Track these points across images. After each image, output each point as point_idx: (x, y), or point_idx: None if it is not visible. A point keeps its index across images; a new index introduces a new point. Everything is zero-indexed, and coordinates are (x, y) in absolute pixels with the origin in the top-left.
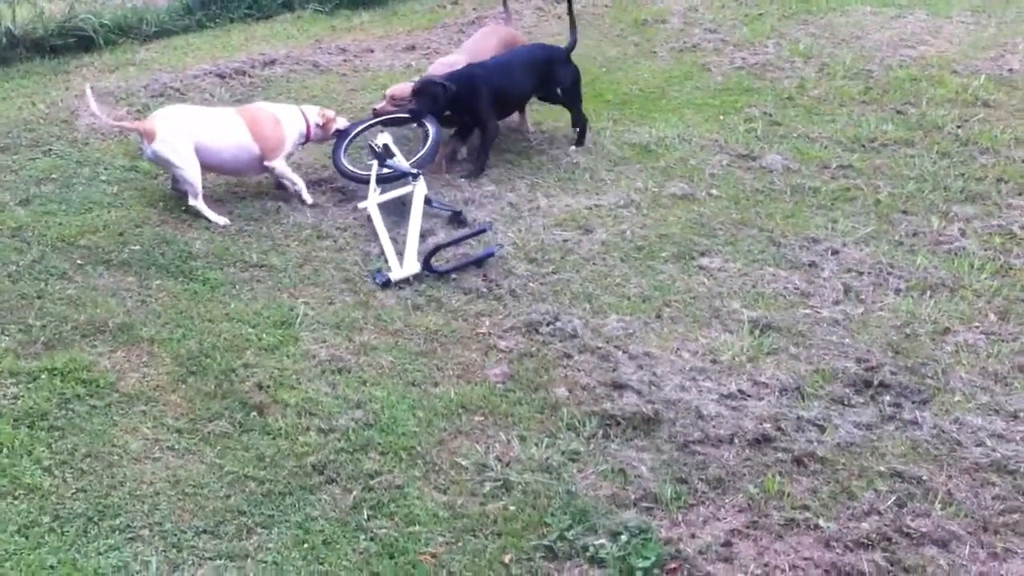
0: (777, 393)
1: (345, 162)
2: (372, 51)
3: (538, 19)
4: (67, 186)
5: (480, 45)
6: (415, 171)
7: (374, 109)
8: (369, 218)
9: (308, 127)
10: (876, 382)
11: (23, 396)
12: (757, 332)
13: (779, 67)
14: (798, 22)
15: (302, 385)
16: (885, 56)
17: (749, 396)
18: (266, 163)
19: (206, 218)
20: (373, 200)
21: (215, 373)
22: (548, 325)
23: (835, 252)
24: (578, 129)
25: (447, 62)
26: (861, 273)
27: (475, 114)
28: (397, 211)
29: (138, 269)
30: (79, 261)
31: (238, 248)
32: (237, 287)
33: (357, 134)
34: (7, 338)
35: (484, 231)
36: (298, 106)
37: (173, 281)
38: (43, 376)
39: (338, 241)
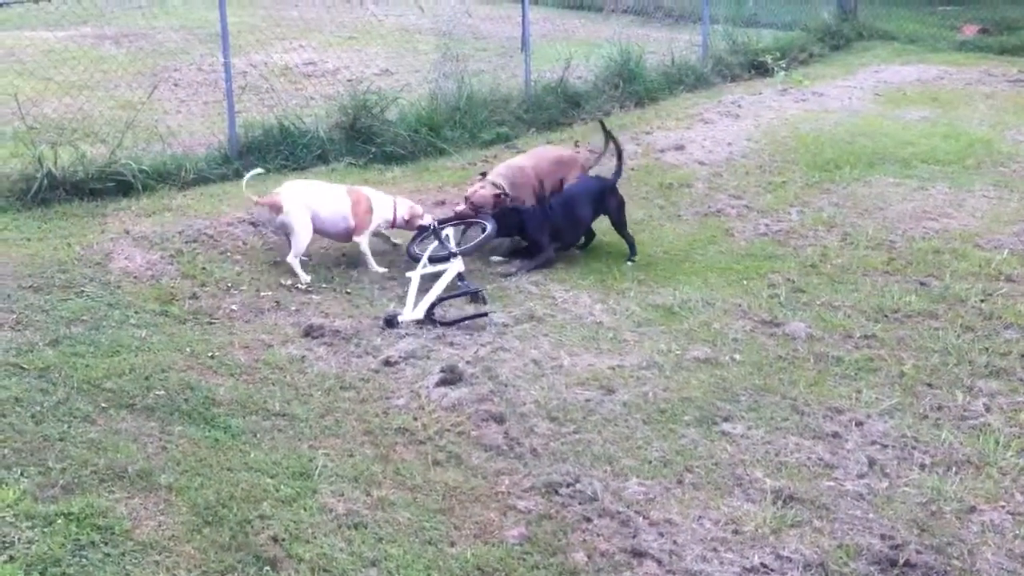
0: (801, 569)
1: (415, 248)
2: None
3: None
4: (97, 328)
5: (540, 155)
6: (456, 251)
7: (455, 210)
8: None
9: (395, 217)
10: (902, 561)
11: (37, 541)
12: (780, 503)
13: (802, 235)
14: (821, 191)
15: (317, 540)
16: (908, 228)
17: (772, 571)
18: (354, 238)
19: (296, 275)
20: (419, 269)
21: (231, 524)
22: (568, 487)
23: (859, 423)
24: (628, 245)
25: (513, 164)
26: (885, 446)
27: (534, 242)
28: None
29: (161, 414)
30: (103, 404)
31: (261, 396)
32: (258, 436)
33: (441, 231)
34: (26, 480)
35: (479, 291)
36: (393, 197)
37: (195, 428)
38: (59, 521)
39: (361, 392)
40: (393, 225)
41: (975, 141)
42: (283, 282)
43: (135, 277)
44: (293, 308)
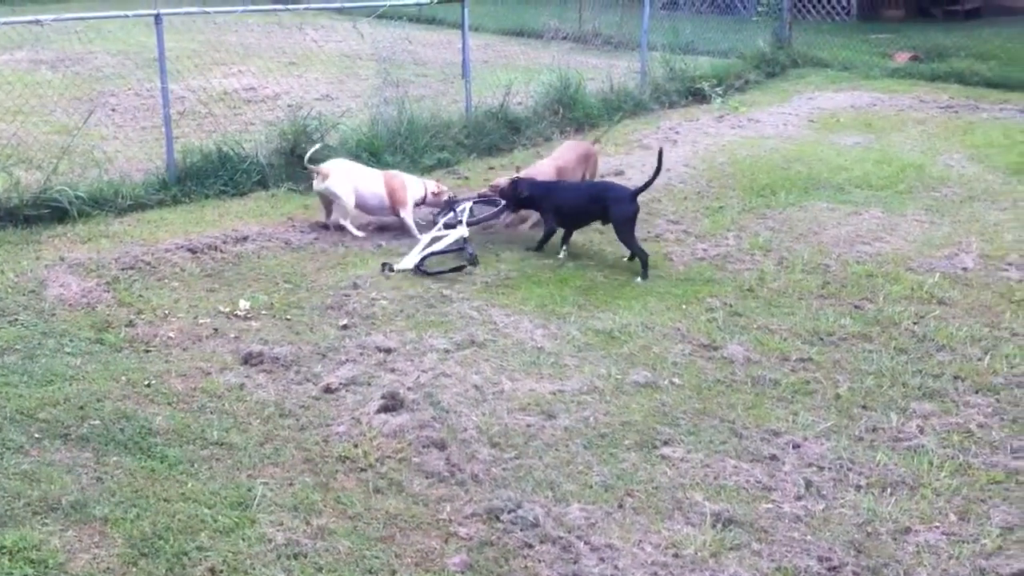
0: None
1: (440, 219)
2: (343, 231)
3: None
4: (30, 357)
5: (565, 154)
6: (462, 220)
7: (479, 192)
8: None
9: (425, 193)
10: None
11: None
12: (719, 526)
13: (739, 259)
14: (757, 216)
15: (256, 571)
16: (842, 252)
17: None
18: (400, 213)
19: (351, 232)
20: (432, 232)
21: (167, 556)
22: (510, 512)
23: (796, 446)
24: (640, 261)
25: (539, 164)
26: (822, 468)
27: (540, 213)
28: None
29: (96, 445)
30: (36, 435)
31: (199, 425)
32: (195, 465)
33: (459, 203)
34: None
35: (471, 254)
36: (422, 179)
37: (131, 458)
38: None
39: (300, 420)
40: (424, 201)
41: (907, 166)
42: (222, 309)
43: (70, 305)
44: (232, 335)
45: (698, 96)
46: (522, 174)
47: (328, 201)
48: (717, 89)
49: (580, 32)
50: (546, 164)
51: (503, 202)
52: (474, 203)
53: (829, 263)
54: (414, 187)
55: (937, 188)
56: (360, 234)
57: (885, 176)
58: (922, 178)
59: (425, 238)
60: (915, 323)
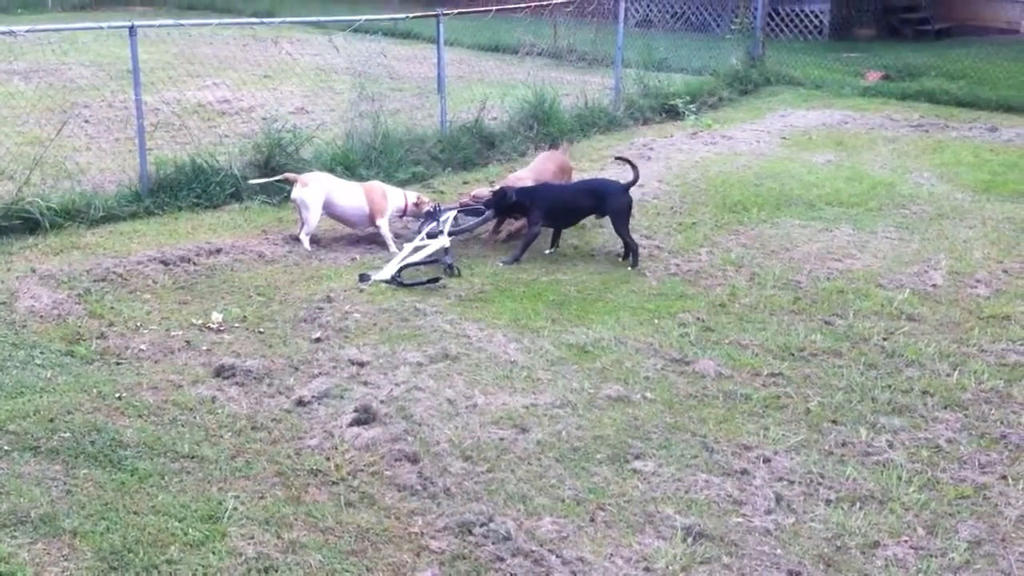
0: None
1: (423, 229)
2: (316, 243)
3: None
4: (0, 369)
5: (541, 166)
6: (442, 231)
7: (460, 201)
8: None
9: (406, 204)
10: None
11: None
12: (690, 540)
13: (712, 275)
14: (730, 232)
15: None
16: (813, 268)
17: None
18: (376, 221)
19: (304, 247)
20: (414, 242)
21: (137, 569)
22: (482, 526)
23: (767, 460)
24: (630, 251)
25: (516, 176)
26: (792, 482)
27: (527, 215)
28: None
29: (66, 457)
30: (6, 447)
31: (170, 438)
32: (166, 478)
33: (442, 213)
34: None
35: (450, 265)
36: (402, 189)
37: (101, 471)
38: None
39: (272, 433)
40: (405, 211)
41: (878, 184)
42: (194, 321)
43: (41, 316)
44: (204, 348)
45: (672, 113)
46: (500, 183)
47: (300, 210)
48: (691, 106)
49: (555, 48)
50: (524, 174)
51: (487, 211)
52: (458, 212)
53: (800, 279)
54: (394, 197)
55: (907, 206)
56: (309, 248)
57: (856, 193)
58: (892, 196)
59: (406, 248)
60: (885, 339)
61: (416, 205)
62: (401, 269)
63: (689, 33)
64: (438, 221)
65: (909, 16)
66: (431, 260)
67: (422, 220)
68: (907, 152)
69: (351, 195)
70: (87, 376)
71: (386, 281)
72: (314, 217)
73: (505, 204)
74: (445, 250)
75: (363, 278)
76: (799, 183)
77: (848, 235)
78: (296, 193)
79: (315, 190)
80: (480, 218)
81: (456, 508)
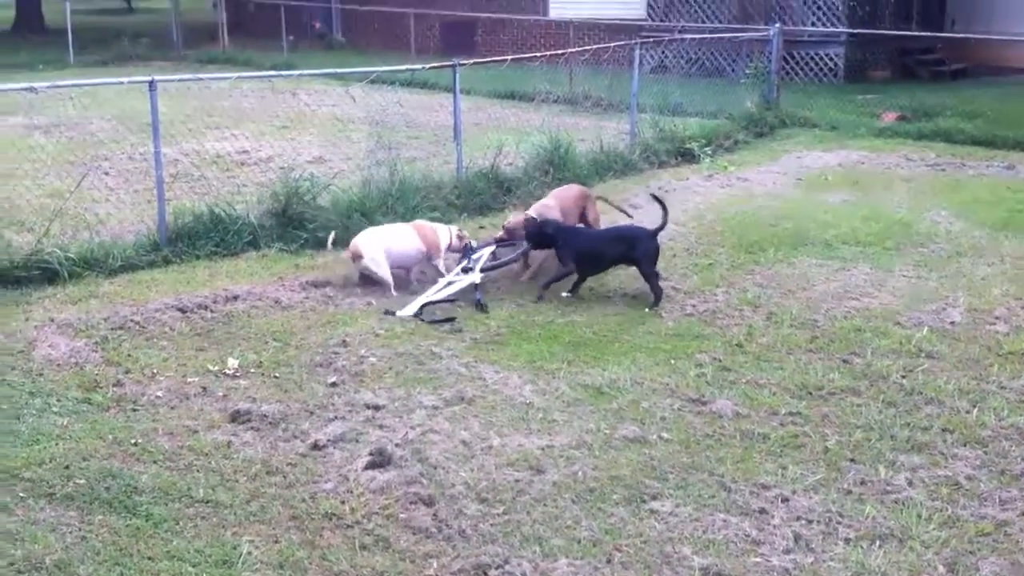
0: None
1: (462, 264)
2: (332, 288)
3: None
4: (17, 417)
5: (564, 193)
6: (471, 267)
7: (494, 236)
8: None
9: (451, 239)
10: None
11: None
12: None
13: (728, 315)
14: (746, 272)
15: None
16: (830, 307)
17: None
18: (433, 260)
19: (393, 294)
20: (449, 277)
21: None
22: (497, 568)
23: (785, 499)
24: (654, 294)
25: (543, 204)
26: (811, 521)
27: (558, 254)
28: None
29: (81, 503)
30: (22, 494)
31: (185, 483)
32: (181, 523)
33: (475, 251)
34: None
35: (478, 301)
36: (447, 226)
37: (116, 517)
38: None
39: (288, 477)
40: (450, 247)
41: (895, 223)
42: (210, 367)
43: (58, 365)
44: (220, 393)
45: (687, 156)
46: (530, 211)
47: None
48: (706, 149)
49: (571, 94)
50: (549, 202)
51: (524, 244)
52: (496, 247)
53: (817, 318)
54: (443, 233)
55: (924, 244)
56: (395, 293)
57: (872, 232)
58: (909, 234)
59: (437, 284)
60: (903, 376)
61: (459, 239)
62: (423, 306)
63: (704, 78)
64: (469, 258)
65: (924, 57)
66: (450, 300)
67: (461, 255)
68: (924, 191)
69: (405, 238)
70: (103, 423)
71: (411, 317)
72: (387, 274)
73: (541, 235)
74: (475, 287)
75: (388, 313)
76: (815, 223)
77: (865, 274)
78: (360, 266)
79: (373, 253)
80: (518, 251)
81: (472, 550)
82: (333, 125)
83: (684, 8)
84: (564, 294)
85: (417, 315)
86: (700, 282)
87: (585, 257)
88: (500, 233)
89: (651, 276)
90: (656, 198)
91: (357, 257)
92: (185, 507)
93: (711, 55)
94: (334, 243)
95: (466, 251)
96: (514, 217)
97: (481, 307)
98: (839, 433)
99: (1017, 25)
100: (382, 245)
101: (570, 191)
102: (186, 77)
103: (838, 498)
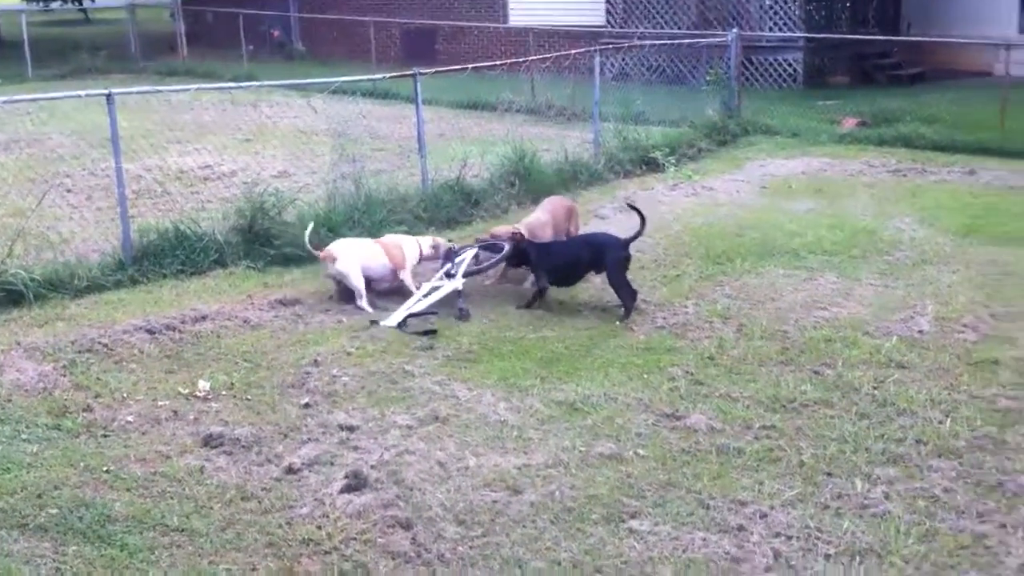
0: None
1: (444, 268)
2: (302, 306)
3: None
4: None
5: (553, 208)
6: (453, 273)
7: (477, 239)
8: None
9: (420, 252)
10: None
11: None
12: None
13: (699, 327)
14: (715, 283)
15: None
16: (799, 317)
17: None
18: (400, 275)
19: (366, 310)
20: (433, 281)
21: None
22: None
23: (763, 515)
24: (624, 306)
25: (539, 222)
26: (790, 537)
27: (534, 271)
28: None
29: (55, 534)
30: None
31: (159, 511)
32: (156, 553)
33: (458, 254)
34: None
35: (462, 310)
36: (415, 237)
37: (90, 547)
38: None
39: (263, 503)
40: (421, 258)
41: (859, 231)
42: (181, 390)
43: (26, 390)
44: (191, 417)
45: (652, 165)
46: (519, 226)
47: (338, 281)
48: (670, 158)
49: (533, 104)
50: (543, 217)
51: (505, 247)
52: (479, 250)
53: (787, 329)
54: (409, 248)
55: (890, 252)
56: (371, 310)
57: (838, 241)
58: (874, 242)
59: (419, 292)
60: (875, 387)
61: (433, 248)
62: (406, 317)
63: (665, 85)
64: (453, 263)
65: (882, 62)
66: (431, 312)
67: (443, 261)
68: (887, 198)
69: (374, 254)
70: (74, 450)
71: (394, 327)
72: (360, 282)
73: (516, 252)
74: (458, 293)
75: (373, 324)
76: (781, 232)
77: (833, 283)
78: (333, 269)
79: (349, 258)
80: (499, 256)
81: (451, 574)
82: (296, 138)
83: (643, 14)
84: (517, 307)
85: (400, 326)
86: (669, 294)
87: (560, 271)
88: (485, 236)
89: (621, 287)
90: (633, 207)
91: (332, 260)
92: (160, 535)
93: (672, 62)
94: (310, 241)
95: (448, 255)
96: (503, 228)
97: (464, 315)
98: (814, 446)
99: (971, 28)
100: (356, 254)
101: (561, 203)
102: (145, 89)
103: (816, 513)
